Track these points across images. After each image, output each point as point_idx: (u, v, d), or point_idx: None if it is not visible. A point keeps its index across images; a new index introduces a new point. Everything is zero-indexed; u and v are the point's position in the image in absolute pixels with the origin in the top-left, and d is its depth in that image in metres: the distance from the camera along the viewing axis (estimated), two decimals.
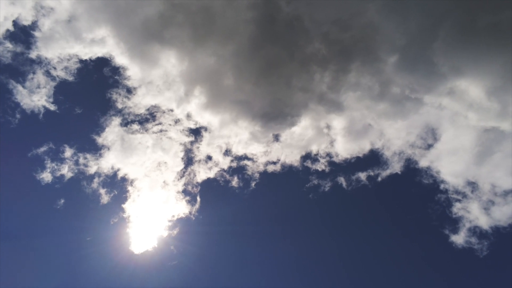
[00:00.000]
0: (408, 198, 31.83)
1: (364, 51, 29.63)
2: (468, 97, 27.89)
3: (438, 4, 25.73)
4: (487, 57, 25.41)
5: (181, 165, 32.77)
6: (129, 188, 31.77)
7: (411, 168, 31.03)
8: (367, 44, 29.30)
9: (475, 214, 28.37)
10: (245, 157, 33.13)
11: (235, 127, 32.95)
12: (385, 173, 31.43)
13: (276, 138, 33.17)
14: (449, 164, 29.66)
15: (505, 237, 27.43)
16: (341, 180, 32.06)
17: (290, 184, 33.52)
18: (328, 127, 33.11)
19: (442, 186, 29.79)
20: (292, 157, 33.28)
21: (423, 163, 30.61)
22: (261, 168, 32.87)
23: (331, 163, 32.53)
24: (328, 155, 32.65)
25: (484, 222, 27.98)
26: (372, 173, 31.74)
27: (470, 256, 28.03)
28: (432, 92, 28.69)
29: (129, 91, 32.07)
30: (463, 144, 28.97)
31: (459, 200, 29.16)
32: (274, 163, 32.96)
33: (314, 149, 33.05)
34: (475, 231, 28.13)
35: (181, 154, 32.79)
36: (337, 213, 33.40)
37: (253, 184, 32.59)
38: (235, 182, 32.80)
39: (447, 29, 25.97)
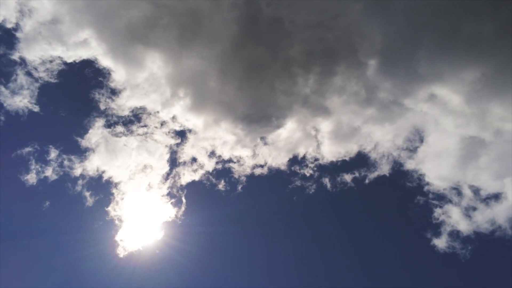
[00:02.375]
0: (391, 202, 32.09)
1: (348, 54, 29.70)
2: (449, 104, 28.17)
3: (422, 12, 25.88)
4: (468, 66, 25.64)
5: (166, 168, 32.69)
6: (114, 190, 31.65)
7: (396, 171, 31.24)
8: (350, 47, 29.36)
9: (456, 218, 28.69)
10: (230, 160, 33.12)
11: (220, 129, 32.92)
12: (372, 175, 31.64)
13: (262, 140, 33.19)
14: (432, 169, 29.94)
15: (486, 242, 27.78)
16: (327, 182, 32.22)
17: (276, 187, 33.61)
18: (316, 129, 33.18)
19: (425, 188, 30.08)
20: (279, 160, 33.33)
21: (408, 166, 30.84)
22: (248, 170, 32.90)
23: (317, 166, 32.64)
24: (315, 158, 32.74)
25: (465, 226, 28.32)
26: (358, 176, 31.93)
27: (452, 260, 28.38)
28: (412, 97, 28.97)
29: (114, 93, 31.82)
30: (444, 149, 29.25)
31: (440, 206, 29.46)
32: (261, 166, 33.00)
33: (301, 152, 33.14)
34: (458, 235, 28.46)
35: (167, 157, 32.69)
36: (323, 216, 33.59)
37: (239, 187, 32.64)
38: (221, 184, 32.81)
39: (430, 36, 26.14)
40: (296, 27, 29.21)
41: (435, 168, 29.95)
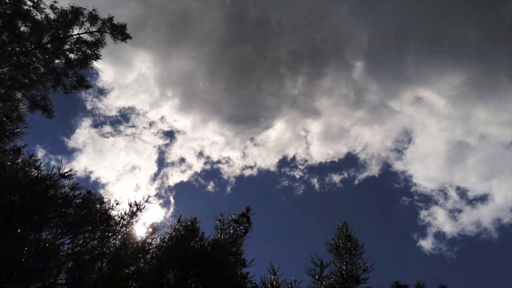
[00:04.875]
0: (380, 202, 32.30)
1: (335, 55, 29.90)
2: (436, 107, 28.55)
3: (409, 17, 26.22)
4: (453, 70, 26.07)
5: (154, 168, 32.44)
6: (102, 191, 31.25)
7: (384, 172, 31.45)
8: (337, 47, 29.57)
9: (442, 220, 29.01)
10: (219, 161, 33.02)
11: (208, 129, 32.82)
12: (362, 176, 31.80)
13: (252, 141, 33.17)
14: (420, 170, 30.25)
15: (471, 243, 28.10)
16: (316, 183, 32.32)
17: (265, 186, 33.61)
18: (305, 131, 33.30)
19: (413, 189, 30.29)
20: (268, 161, 33.33)
21: (396, 167, 31.07)
22: (237, 172, 32.83)
23: (307, 167, 32.72)
24: (304, 159, 32.83)
25: (450, 228, 28.64)
26: (347, 176, 32.06)
27: (438, 261, 28.65)
28: (399, 99, 29.28)
29: (102, 93, 31.47)
30: (431, 151, 29.61)
31: (426, 208, 29.74)
32: (251, 167, 32.96)
33: (290, 153, 33.21)
34: (444, 236, 28.73)
35: (155, 157, 32.45)
36: (312, 216, 33.68)
37: (228, 188, 32.54)
38: (209, 185, 32.68)
39: (416, 40, 26.49)
40: (283, 27, 29.31)
41: (423, 169, 30.32)
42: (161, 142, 32.45)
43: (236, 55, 30.85)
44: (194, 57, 31.09)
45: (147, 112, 32.43)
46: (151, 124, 32.44)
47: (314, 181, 32.25)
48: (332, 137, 32.74)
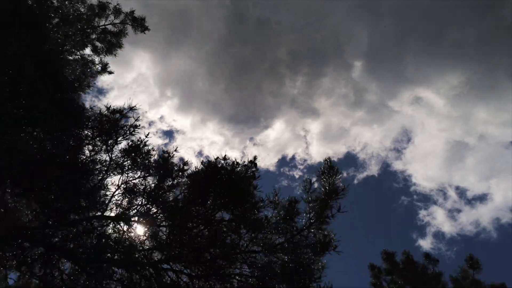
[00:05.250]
0: (380, 202, 32.73)
1: (335, 55, 31.01)
2: (435, 107, 29.50)
3: (409, 17, 27.29)
4: (453, 70, 27.08)
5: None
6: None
7: (384, 172, 32.04)
8: (337, 47, 30.68)
9: (441, 220, 29.64)
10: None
11: (207, 129, 33.84)
12: (361, 175, 32.61)
13: (251, 141, 34.19)
14: (419, 170, 31.07)
15: (470, 242, 28.49)
16: (315, 182, 33.01)
17: (265, 186, 34.34)
18: (305, 130, 34.26)
19: (412, 189, 30.85)
20: (267, 161, 34.27)
21: (396, 166, 31.81)
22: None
23: (306, 167, 33.65)
24: (304, 158, 33.77)
25: (449, 227, 29.26)
26: (346, 176, 32.84)
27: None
28: (399, 100, 30.22)
29: (101, 92, 32.43)
30: (428, 151, 30.47)
31: (425, 207, 30.27)
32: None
33: (290, 152, 34.13)
34: (443, 236, 29.29)
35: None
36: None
37: None
38: None
39: (416, 40, 27.54)
40: (283, 27, 30.46)
41: (422, 169, 31.16)
42: (160, 141, 33.39)
43: (236, 55, 32.00)
44: (193, 57, 32.24)
45: (146, 111, 33.38)
46: (151, 124, 33.41)
47: (314, 180, 32.94)
48: (331, 137, 33.80)
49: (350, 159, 32.01)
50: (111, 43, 8.95)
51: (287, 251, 4.17)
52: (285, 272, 4.21)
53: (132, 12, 9.21)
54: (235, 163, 4.46)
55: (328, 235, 4.49)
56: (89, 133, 4.13)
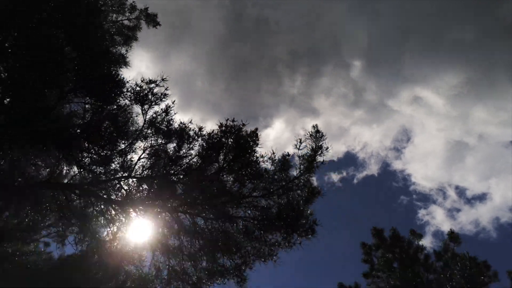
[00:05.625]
0: (379, 201, 33.00)
1: (333, 54, 31.88)
2: (434, 107, 30.11)
3: (408, 16, 28.05)
4: (452, 70, 27.75)
5: None
6: None
7: (383, 171, 32.32)
8: (335, 46, 31.52)
9: (440, 219, 30.20)
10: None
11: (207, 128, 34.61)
12: (361, 175, 33.21)
13: None
14: (419, 170, 31.55)
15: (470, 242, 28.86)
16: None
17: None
18: (304, 130, 34.95)
19: (412, 188, 31.12)
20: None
21: (395, 166, 32.35)
22: None
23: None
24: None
25: (448, 227, 29.64)
26: (346, 175, 33.37)
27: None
28: (397, 99, 30.83)
29: None
30: (428, 151, 31.02)
31: (424, 207, 30.48)
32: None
33: (289, 151, 34.82)
34: (443, 235, 29.49)
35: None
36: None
37: None
38: None
39: (415, 40, 28.29)
40: (282, 27, 31.37)
41: (422, 168, 31.67)
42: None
43: (235, 55, 32.98)
44: (193, 57, 33.22)
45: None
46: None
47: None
48: (331, 137, 34.59)
49: (350, 159, 31.26)
50: (128, 36, 10.05)
51: (282, 195, 5.32)
52: (280, 213, 5.36)
53: (146, 9, 10.33)
54: (242, 124, 5.60)
55: (316, 187, 5.66)
56: (127, 102, 5.24)
